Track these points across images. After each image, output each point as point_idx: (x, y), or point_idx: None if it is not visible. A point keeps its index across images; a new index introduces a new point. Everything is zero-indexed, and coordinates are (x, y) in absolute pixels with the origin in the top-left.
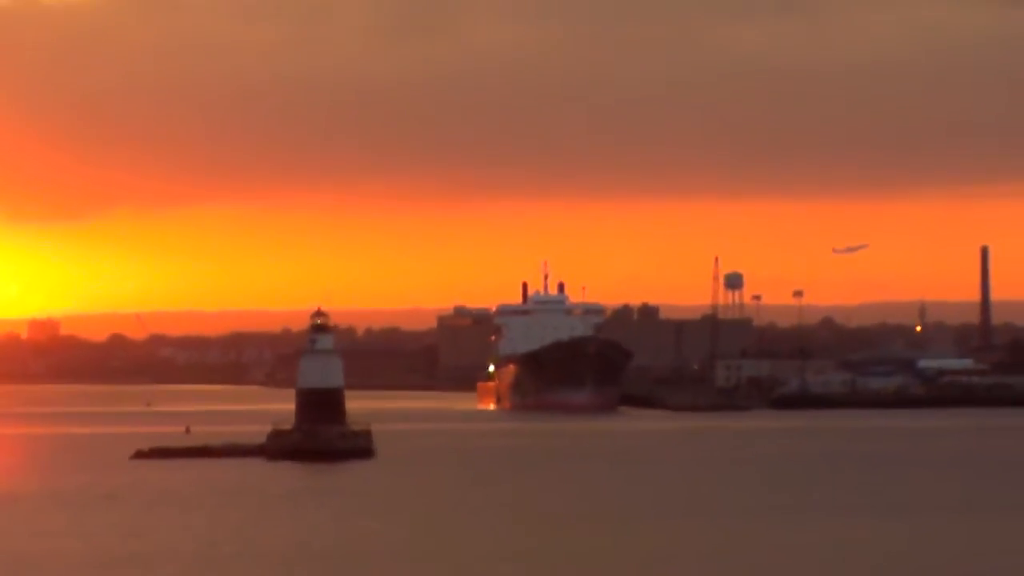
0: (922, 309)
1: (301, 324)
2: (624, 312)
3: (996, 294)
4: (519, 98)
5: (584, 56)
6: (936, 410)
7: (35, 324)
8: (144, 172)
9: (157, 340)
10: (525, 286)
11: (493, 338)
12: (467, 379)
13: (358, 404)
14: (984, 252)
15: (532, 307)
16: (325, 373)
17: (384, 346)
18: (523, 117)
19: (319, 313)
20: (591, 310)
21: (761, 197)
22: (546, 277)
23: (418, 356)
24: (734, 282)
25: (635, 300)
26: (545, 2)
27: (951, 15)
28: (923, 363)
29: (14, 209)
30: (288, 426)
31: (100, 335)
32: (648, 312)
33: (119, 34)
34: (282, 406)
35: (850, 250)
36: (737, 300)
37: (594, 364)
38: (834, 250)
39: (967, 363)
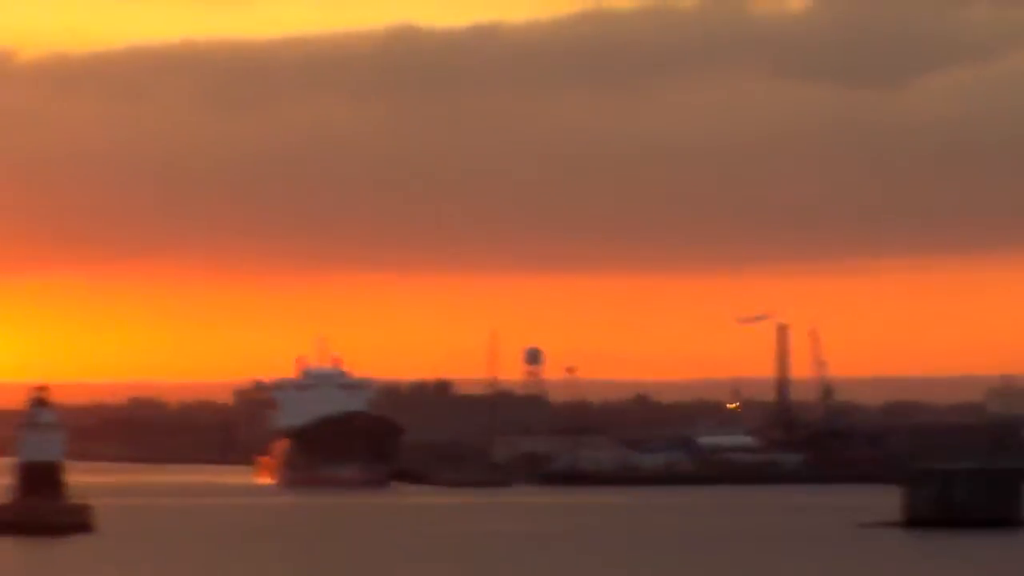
0: (735, 387)
1: (114, 397)
2: (412, 387)
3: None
4: (322, 175)
5: (390, 132)
6: (695, 487)
7: None
8: None
9: None
10: (301, 360)
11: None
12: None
13: (124, 478)
14: (781, 330)
15: (307, 381)
16: (45, 447)
17: (183, 420)
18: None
19: (41, 387)
20: (366, 384)
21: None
22: (322, 352)
23: (214, 430)
24: (533, 357)
25: (427, 375)
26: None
27: (782, 93)
28: (703, 440)
29: None
30: (6, 500)
31: None
32: (442, 387)
33: None
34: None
35: (757, 319)
36: (537, 376)
37: (362, 439)
38: (738, 319)
39: (746, 440)
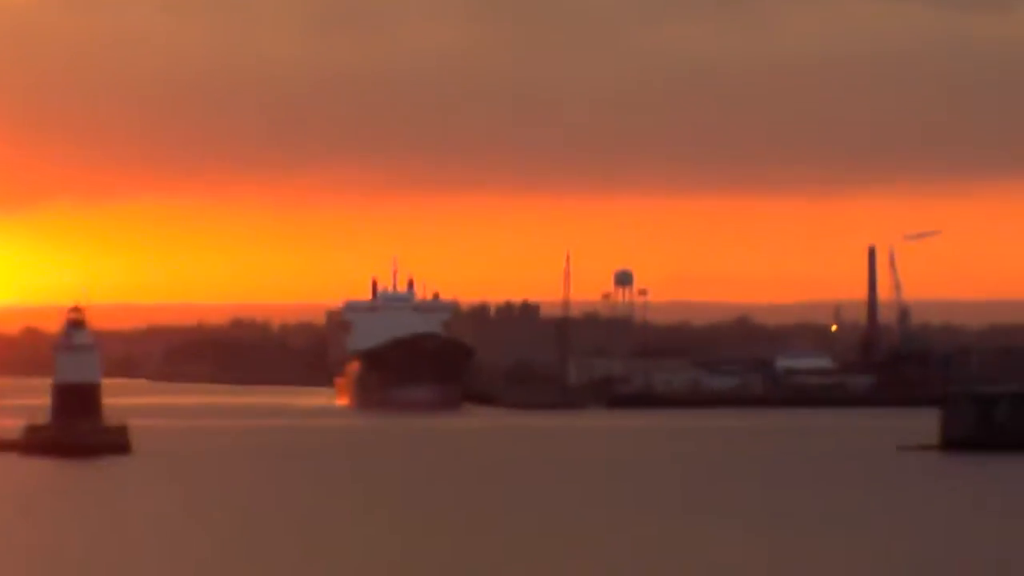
0: (837, 309)
1: (221, 318)
2: (499, 309)
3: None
4: (423, 95)
5: (495, 56)
6: (762, 409)
7: None
8: (85, 163)
9: None
10: (375, 283)
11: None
12: None
13: (205, 398)
14: (871, 252)
15: (379, 303)
16: (81, 368)
17: (279, 342)
18: (400, 116)
19: (75, 308)
20: (440, 307)
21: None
22: (395, 274)
23: (308, 352)
24: (623, 279)
25: (507, 297)
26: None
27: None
28: (780, 363)
29: None
30: (43, 421)
31: (19, 328)
32: (529, 309)
33: (46, 28)
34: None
35: (921, 236)
36: (626, 297)
37: (431, 361)
38: (905, 236)
39: (823, 363)
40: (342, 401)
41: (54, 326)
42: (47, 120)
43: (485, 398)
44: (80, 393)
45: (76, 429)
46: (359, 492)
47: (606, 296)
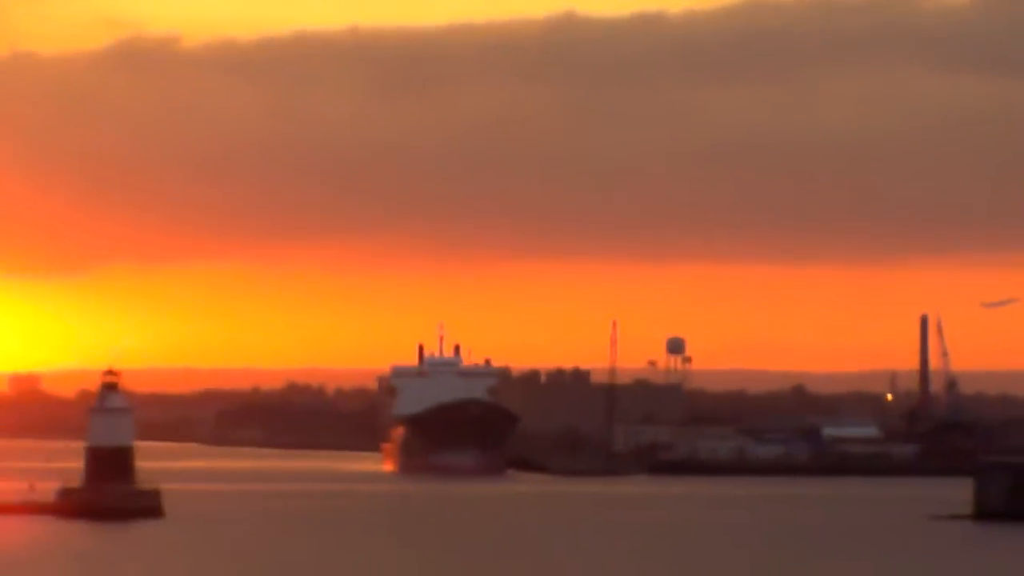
0: (892, 378)
1: (276, 383)
2: (550, 375)
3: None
4: (482, 161)
5: (547, 123)
6: (807, 478)
7: (15, 379)
8: (144, 227)
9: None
10: (421, 348)
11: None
12: None
13: (254, 463)
14: (923, 321)
15: (425, 369)
16: (114, 431)
17: (331, 407)
18: (449, 183)
19: (110, 372)
20: (485, 373)
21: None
22: (441, 339)
23: (360, 416)
24: (675, 347)
25: (545, 363)
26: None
27: (945, 85)
28: (827, 431)
29: (13, 262)
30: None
31: (75, 391)
32: (580, 376)
33: (114, 90)
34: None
35: (1001, 304)
36: (676, 366)
37: (476, 427)
38: (983, 304)
39: (870, 432)
40: (388, 466)
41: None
42: (107, 183)
43: (530, 464)
44: (113, 456)
45: (108, 492)
46: (386, 553)
47: (652, 363)
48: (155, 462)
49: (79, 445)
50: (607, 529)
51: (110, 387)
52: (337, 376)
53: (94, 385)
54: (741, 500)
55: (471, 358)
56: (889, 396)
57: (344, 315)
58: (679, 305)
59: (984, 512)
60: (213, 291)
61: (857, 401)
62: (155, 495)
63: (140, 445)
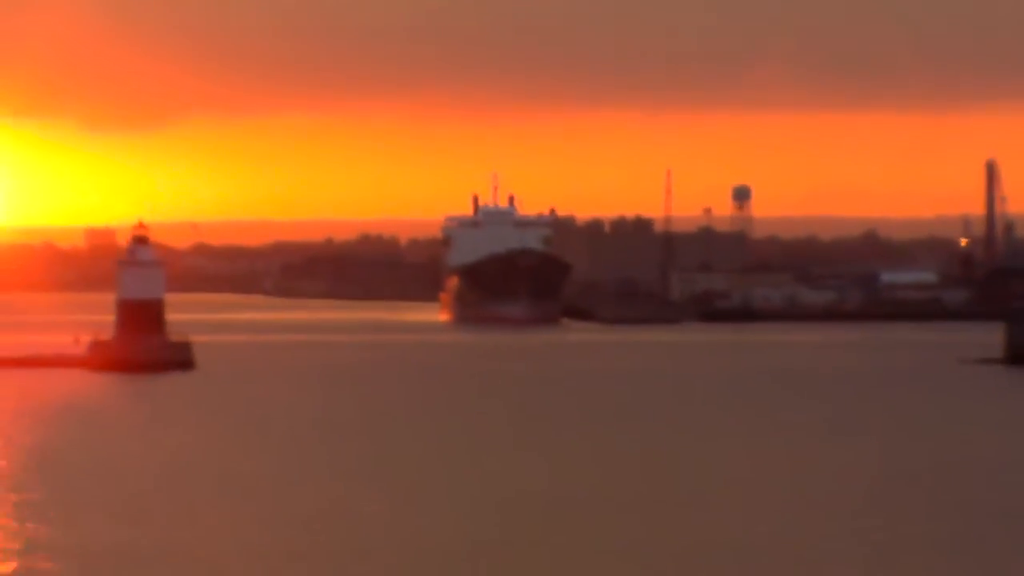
0: (965, 224)
1: (347, 234)
2: (613, 224)
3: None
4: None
5: None
6: (857, 323)
7: (91, 233)
8: (222, 81)
9: (198, 249)
10: (476, 198)
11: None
12: None
13: (314, 315)
14: (990, 167)
15: (480, 219)
16: (145, 284)
17: (396, 257)
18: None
19: (140, 225)
20: (539, 223)
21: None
22: (495, 190)
23: (427, 267)
24: (741, 194)
25: (606, 212)
26: None
27: None
28: (885, 276)
29: (92, 116)
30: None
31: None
32: (641, 225)
33: None
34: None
35: None
36: (743, 213)
37: (528, 277)
38: None
39: (927, 277)
40: (443, 316)
41: (182, 243)
42: (186, 37)
43: (584, 314)
44: (143, 309)
45: (137, 345)
46: (414, 406)
47: (707, 211)
48: (210, 314)
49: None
50: (637, 374)
51: (140, 240)
52: (411, 227)
53: (167, 239)
54: (778, 345)
55: (527, 208)
56: (964, 241)
57: (418, 165)
58: (738, 154)
59: (1015, 356)
60: (289, 143)
61: (931, 246)
62: (186, 347)
63: (208, 297)
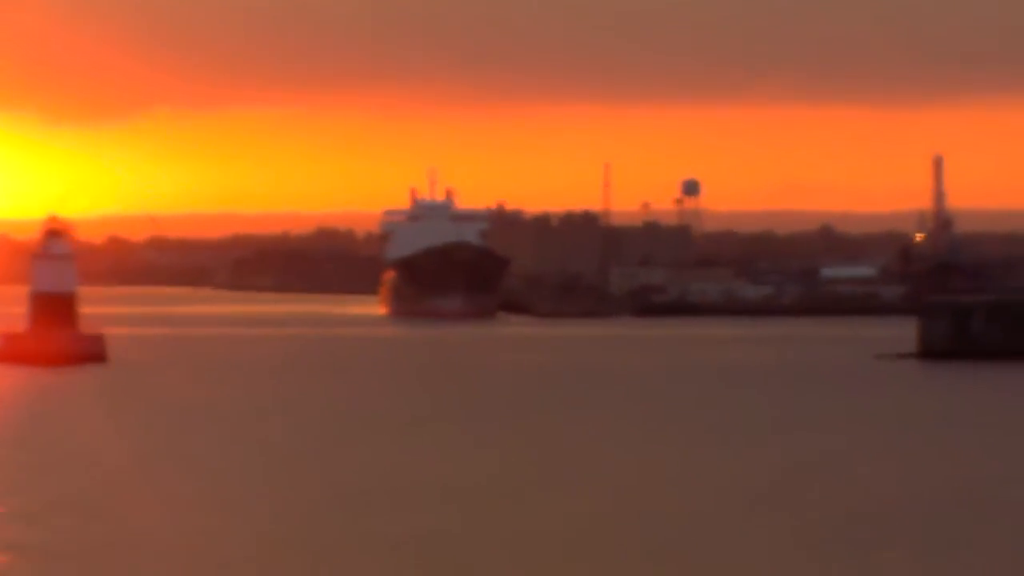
0: (920, 218)
1: (305, 227)
2: (561, 219)
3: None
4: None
5: None
6: (792, 318)
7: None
8: (183, 75)
9: (152, 243)
10: (413, 192)
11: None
12: None
13: (250, 308)
14: (936, 162)
15: (417, 212)
16: (58, 278)
17: (347, 251)
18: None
19: (53, 218)
20: (477, 216)
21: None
22: (432, 184)
23: (374, 260)
24: (690, 188)
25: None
26: None
27: None
28: (825, 271)
29: (54, 108)
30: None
31: (104, 238)
32: (590, 218)
33: None
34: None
35: None
36: (692, 207)
37: (465, 271)
38: None
39: (867, 272)
40: (381, 310)
41: (139, 235)
42: (147, 28)
43: (522, 308)
44: (56, 302)
45: (49, 338)
46: (336, 399)
47: (645, 205)
48: (151, 307)
49: (102, 291)
50: (560, 368)
51: (54, 233)
52: (367, 220)
53: (126, 232)
54: (708, 340)
55: (470, 202)
56: (920, 236)
57: (375, 160)
58: (693, 149)
59: (926, 351)
60: (249, 137)
61: (887, 241)
62: (98, 340)
63: (156, 290)
